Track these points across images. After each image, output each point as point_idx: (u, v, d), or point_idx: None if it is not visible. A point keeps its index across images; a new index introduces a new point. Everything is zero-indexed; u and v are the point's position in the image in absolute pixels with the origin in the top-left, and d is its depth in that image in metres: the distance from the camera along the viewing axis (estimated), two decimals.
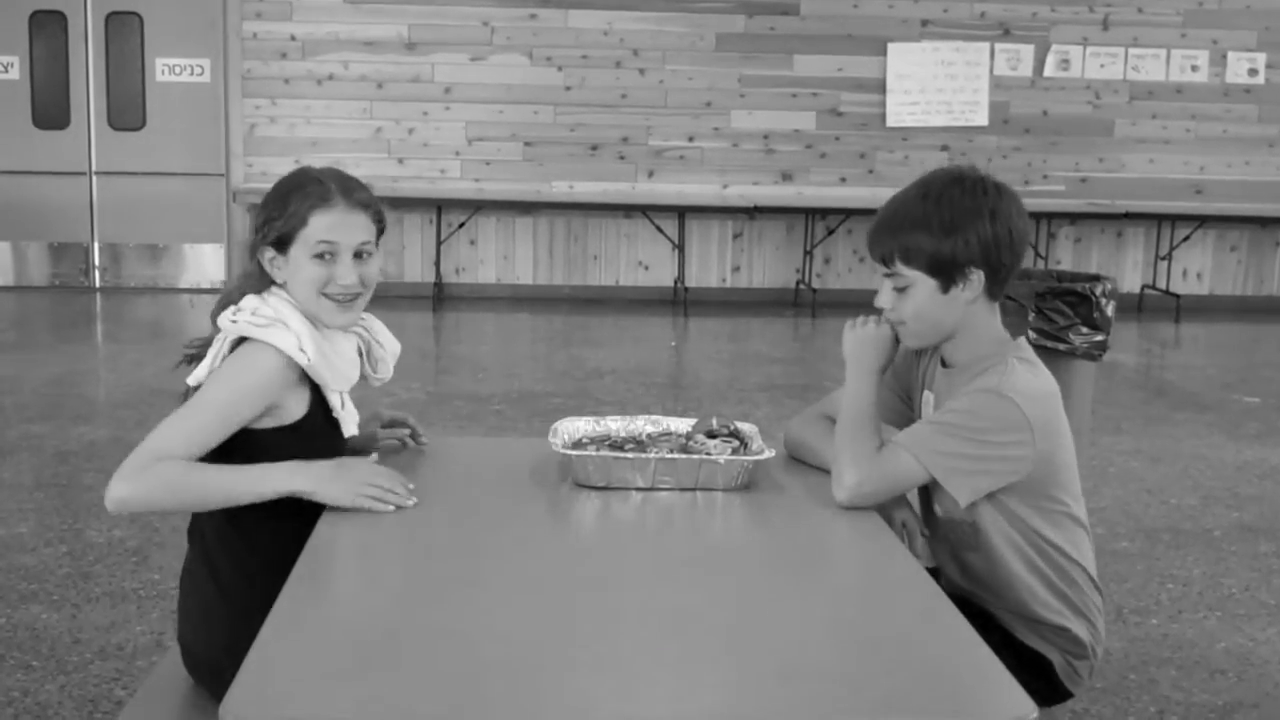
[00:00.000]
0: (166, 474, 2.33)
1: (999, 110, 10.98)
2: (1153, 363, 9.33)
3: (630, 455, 2.56)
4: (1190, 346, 10.03)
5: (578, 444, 2.66)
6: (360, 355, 2.68)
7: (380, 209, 2.61)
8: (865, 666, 1.85)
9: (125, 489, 2.31)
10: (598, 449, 2.61)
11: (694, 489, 2.55)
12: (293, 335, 2.46)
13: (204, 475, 2.36)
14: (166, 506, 2.41)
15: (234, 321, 2.48)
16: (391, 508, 2.38)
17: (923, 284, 2.47)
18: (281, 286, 2.55)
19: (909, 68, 10.86)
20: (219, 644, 2.44)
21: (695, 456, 2.56)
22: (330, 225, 2.51)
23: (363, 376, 2.69)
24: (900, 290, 2.50)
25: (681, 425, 2.79)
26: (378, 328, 2.73)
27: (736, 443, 2.66)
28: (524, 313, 10.36)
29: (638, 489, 2.54)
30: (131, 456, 2.34)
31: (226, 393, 2.42)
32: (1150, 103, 11.12)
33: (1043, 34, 10.97)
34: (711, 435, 2.70)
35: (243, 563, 2.50)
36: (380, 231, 2.60)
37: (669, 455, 2.56)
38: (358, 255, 2.54)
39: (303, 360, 2.45)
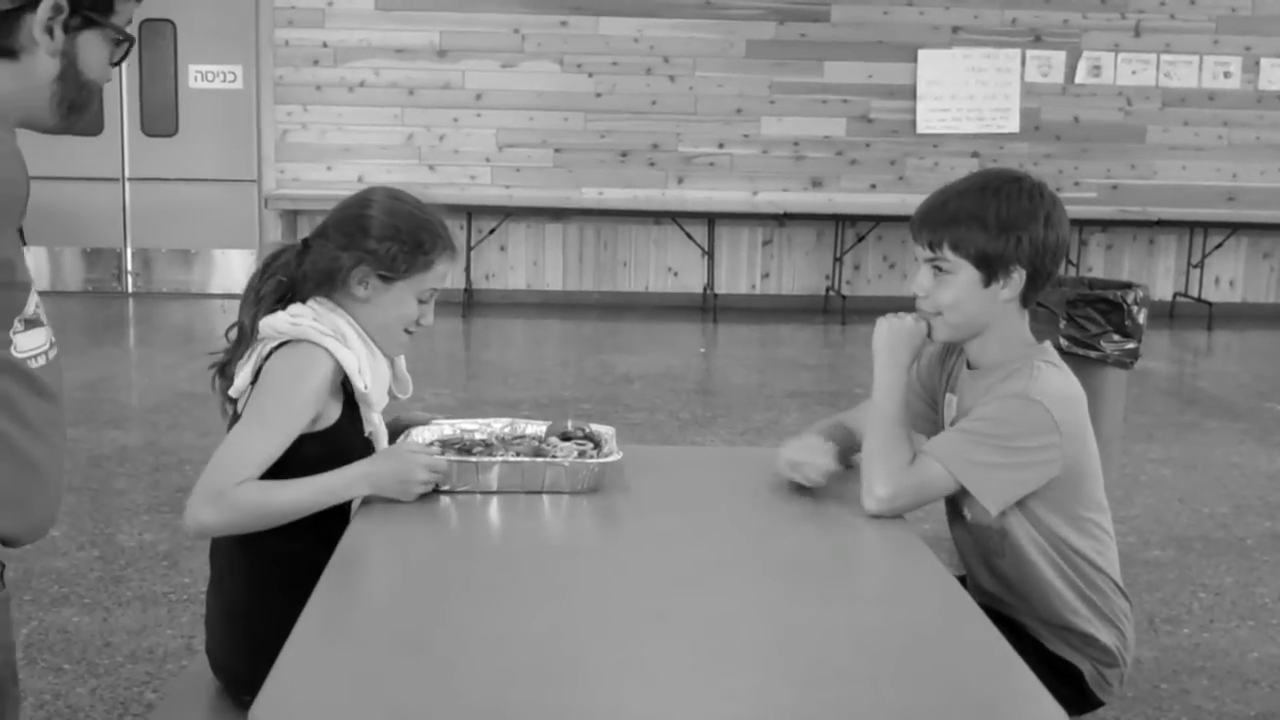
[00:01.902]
0: (247, 499, 2.36)
1: (1030, 117, 10.94)
2: (1185, 371, 9.28)
3: (474, 459, 2.55)
4: (1223, 354, 9.97)
5: (429, 448, 2.64)
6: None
7: None
8: (894, 674, 1.85)
9: (210, 517, 2.36)
10: (444, 451, 2.60)
11: (540, 492, 2.54)
12: (354, 357, 2.50)
13: (281, 494, 2.40)
14: (249, 529, 2.44)
15: (294, 324, 2.50)
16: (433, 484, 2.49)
17: (965, 273, 2.48)
18: (346, 302, 2.58)
19: (939, 74, 10.84)
20: (239, 653, 2.48)
21: (540, 460, 2.56)
22: (445, 274, 2.63)
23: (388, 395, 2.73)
24: (941, 274, 2.50)
25: (539, 428, 2.78)
26: None
27: (589, 445, 2.66)
28: (553, 318, 10.37)
29: (485, 493, 2.53)
30: (206, 480, 2.36)
31: (287, 402, 2.45)
32: (1182, 109, 11.06)
33: (1074, 40, 10.92)
34: (566, 438, 2.70)
35: (259, 574, 2.53)
36: None
37: (514, 459, 2.56)
38: None
39: (360, 385, 2.51)
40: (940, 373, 2.73)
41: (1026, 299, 2.52)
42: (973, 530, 2.57)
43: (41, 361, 1.96)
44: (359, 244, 2.55)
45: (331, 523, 2.44)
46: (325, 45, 10.55)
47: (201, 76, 10.58)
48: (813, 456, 2.61)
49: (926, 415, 2.74)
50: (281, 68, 10.57)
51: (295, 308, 2.54)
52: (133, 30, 1.96)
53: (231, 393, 2.55)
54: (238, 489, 2.35)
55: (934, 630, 2.02)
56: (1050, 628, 2.53)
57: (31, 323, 1.93)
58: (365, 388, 2.52)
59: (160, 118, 10.62)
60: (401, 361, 2.75)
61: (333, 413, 2.53)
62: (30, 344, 1.93)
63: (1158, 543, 5.14)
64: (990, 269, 2.47)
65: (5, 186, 1.78)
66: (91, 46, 1.90)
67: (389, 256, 2.55)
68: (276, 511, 2.40)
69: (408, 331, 2.64)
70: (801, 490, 2.62)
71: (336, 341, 2.48)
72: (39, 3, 1.82)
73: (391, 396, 2.72)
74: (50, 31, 1.84)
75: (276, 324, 2.50)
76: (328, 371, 2.47)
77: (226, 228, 10.75)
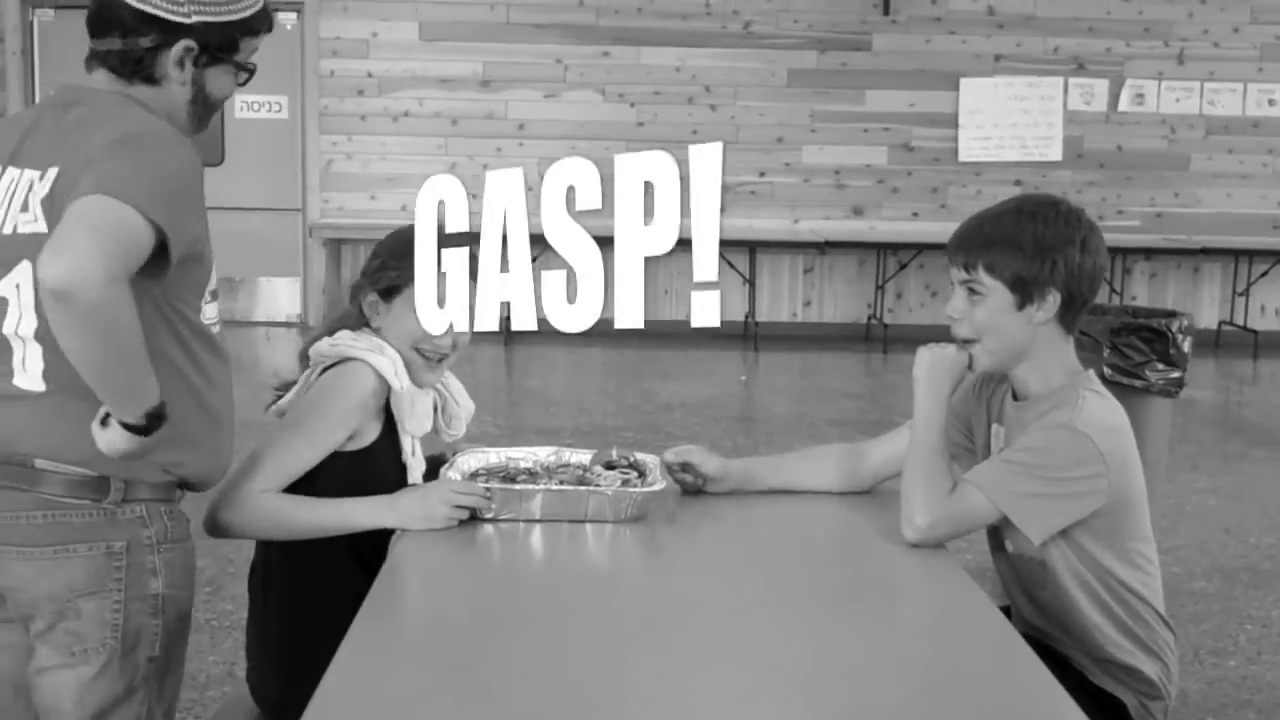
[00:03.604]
0: (264, 507, 2.40)
1: (1073, 145, 10.89)
2: (1230, 400, 9.20)
3: (518, 487, 2.55)
4: (1268, 383, 9.88)
5: (473, 476, 2.64)
6: (435, 410, 2.73)
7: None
8: (937, 707, 1.84)
9: (225, 518, 2.41)
10: (488, 479, 2.59)
11: (584, 521, 2.54)
12: (390, 362, 2.52)
13: (299, 509, 2.43)
14: (262, 536, 2.50)
15: (333, 345, 2.54)
16: (467, 514, 2.47)
17: (999, 295, 2.48)
18: (374, 331, 2.61)
19: (981, 103, 10.81)
20: (280, 681, 2.50)
21: (583, 488, 2.56)
22: None
23: (435, 430, 2.73)
24: (975, 296, 2.50)
25: (584, 457, 2.78)
26: (456, 388, 2.79)
27: (633, 474, 2.65)
28: (594, 346, 10.38)
29: (529, 521, 2.53)
30: (230, 482, 2.41)
31: (319, 418, 2.48)
32: (1226, 137, 10.99)
33: (1117, 69, 10.88)
34: (610, 466, 2.70)
35: (299, 601, 2.55)
36: None
37: (556, 487, 2.56)
38: None
39: (396, 385, 2.52)
40: (975, 403, 2.72)
41: (1066, 323, 2.51)
42: (1013, 561, 2.56)
43: (218, 329, 2.32)
44: (366, 268, 2.63)
45: (372, 550, 2.45)
46: (370, 75, 10.63)
47: (247, 106, 10.68)
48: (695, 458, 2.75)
49: (961, 445, 2.74)
50: (326, 98, 10.65)
51: (341, 334, 2.58)
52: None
53: (275, 411, 2.60)
54: (260, 496, 2.38)
55: (977, 662, 2.01)
56: (1093, 660, 2.51)
57: (214, 295, 2.30)
58: (400, 388, 2.53)
59: (207, 147, 10.67)
60: (463, 404, 2.76)
61: (371, 432, 2.55)
62: (212, 314, 2.29)
63: (1203, 574, 5.09)
64: (1024, 291, 2.47)
65: (187, 166, 2.19)
66: (218, 77, 2.32)
67: (374, 270, 2.61)
68: (292, 526, 2.43)
69: (420, 352, 2.60)
70: (841, 520, 2.62)
71: (373, 353, 2.51)
72: (175, 43, 2.21)
73: (436, 432, 2.73)
74: (182, 65, 2.24)
75: (321, 348, 2.57)
76: (369, 386, 2.50)
77: (271, 256, 10.82)
